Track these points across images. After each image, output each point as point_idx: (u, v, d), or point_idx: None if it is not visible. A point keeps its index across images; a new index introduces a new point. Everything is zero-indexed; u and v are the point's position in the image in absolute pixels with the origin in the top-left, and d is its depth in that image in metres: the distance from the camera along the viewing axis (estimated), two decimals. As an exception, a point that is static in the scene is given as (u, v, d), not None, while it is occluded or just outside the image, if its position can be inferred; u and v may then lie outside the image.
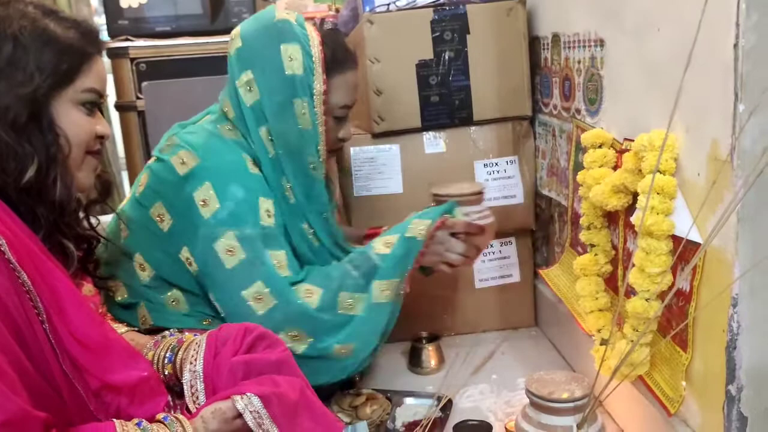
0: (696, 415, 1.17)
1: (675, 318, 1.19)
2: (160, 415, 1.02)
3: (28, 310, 0.92)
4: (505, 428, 1.45)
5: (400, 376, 1.77)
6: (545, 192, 1.85)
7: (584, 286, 1.45)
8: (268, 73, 1.43)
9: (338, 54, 1.48)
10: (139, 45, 2.98)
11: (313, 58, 1.43)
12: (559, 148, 1.74)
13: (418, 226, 1.45)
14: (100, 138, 1.09)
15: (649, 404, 1.29)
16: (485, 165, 1.86)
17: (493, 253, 1.94)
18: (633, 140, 1.25)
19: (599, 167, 1.38)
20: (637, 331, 1.22)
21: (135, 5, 3.01)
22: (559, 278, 1.70)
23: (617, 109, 1.40)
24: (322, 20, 2.83)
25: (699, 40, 1.05)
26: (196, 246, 1.37)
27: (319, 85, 1.44)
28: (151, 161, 1.47)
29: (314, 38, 1.45)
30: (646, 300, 1.18)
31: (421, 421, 1.44)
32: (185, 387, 1.13)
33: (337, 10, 2.76)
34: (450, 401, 1.53)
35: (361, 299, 1.42)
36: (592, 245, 1.46)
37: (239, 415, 1.02)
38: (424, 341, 1.81)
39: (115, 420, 0.96)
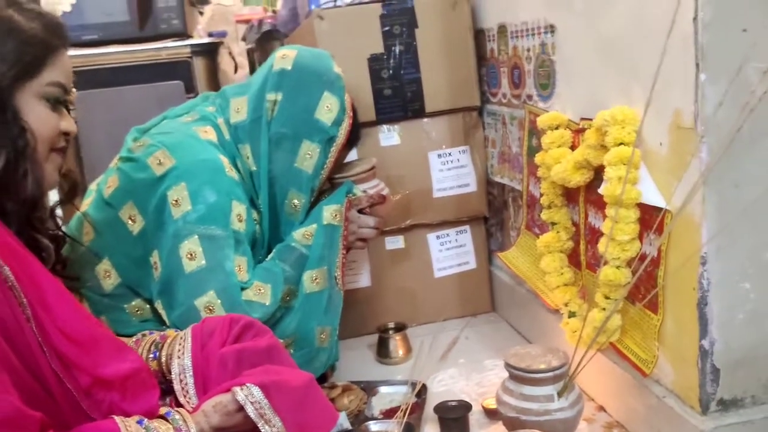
0: (669, 373, 1.23)
1: (643, 284, 1.26)
2: (163, 410, 1.00)
3: (12, 306, 0.89)
4: (482, 406, 1.48)
5: (369, 367, 1.78)
6: (497, 179, 1.91)
7: (549, 263, 1.51)
8: (297, 106, 1.49)
9: (354, 132, 1.59)
10: (65, 54, 2.88)
11: (346, 116, 1.53)
12: (510, 135, 1.79)
13: (330, 212, 1.50)
14: (65, 135, 1.06)
15: (620, 370, 1.35)
16: (439, 155, 1.91)
17: (450, 242, 1.98)
18: (591, 119, 1.32)
19: (558, 147, 1.44)
20: (608, 299, 1.28)
21: (59, 14, 2.91)
22: (518, 259, 1.75)
23: (571, 91, 1.46)
24: (260, 22, 2.82)
25: (655, 15, 1.13)
26: (163, 247, 1.35)
27: (341, 138, 1.52)
28: (117, 162, 1.43)
29: (349, 101, 1.56)
30: (617, 267, 1.24)
31: (397, 407, 1.45)
32: (174, 381, 1.10)
33: (274, 12, 2.75)
34: (424, 386, 1.55)
35: (295, 292, 1.44)
36: (554, 223, 1.52)
37: (241, 408, 1.01)
38: (390, 332, 1.83)
39: (115, 417, 0.93)
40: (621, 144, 1.21)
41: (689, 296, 1.14)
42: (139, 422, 0.95)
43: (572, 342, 1.40)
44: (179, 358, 1.12)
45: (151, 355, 1.15)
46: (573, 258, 1.52)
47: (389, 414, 1.49)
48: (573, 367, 1.28)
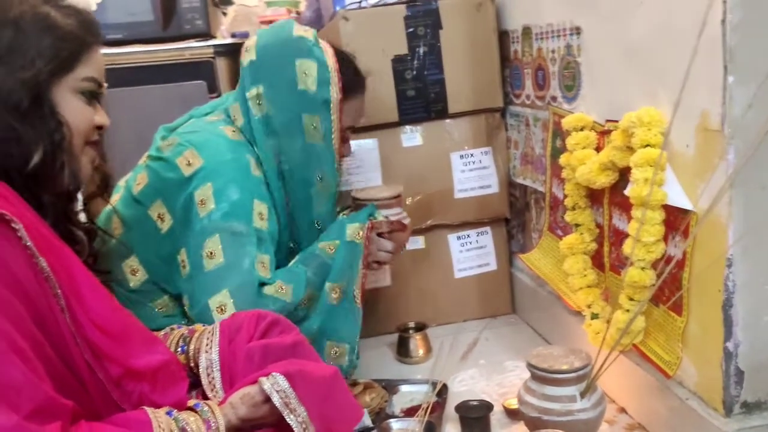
0: (693, 375, 1.23)
1: (668, 286, 1.26)
2: (191, 402, 1.01)
3: (48, 297, 0.90)
4: (503, 406, 1.49)
5: (389, 366, 1.79)
6: (519, 180, 1.91)
7: (572, 264, 1.51)
8: (279, 88, 1.46)
9: (350, 76, 1.53)
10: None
11: (329, 70, 1.46)
12: (533, 137, 1.80)
13: (352, 229, 1.50)
14: (99, 128, 1.08)
15: (643, 372, 1.35)
16: (461, 156, 1.91)
17: (471, 243, 1.99)
18: (617, 121, 1.32)
19: (582, 149, 1.44)
20: (632, 300, 1.28)
21: (85, 13, 2.94)
22: (540, 261, 1.75)
23: (597, 93, 1.47)
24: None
25: (683, 17, 1.13)
26: (189, 246, 1.36)
27: (335, 93, 1.47)
28: (147, 160, 1.45)
29: (329, 54, 1.49)
30: (642, 269, 1.24)
31: (418, 406, 1.46)
32: (202, 375, 1.12)
33: (298, 13, 2.77)
34: (445, 386, 1.56)
35: (317, 297, 1.44)
36: (577, 225, 1.52)
37: (268, 399, 1.02)
38: (411, 331, 1.83)
39: (146, 408, 0.95)
40: (647, 146, 1.21)
41: (714, 298, 1.14)
42: (169, 413, 0.96)
43: (595, 343, 1.41)
44: (207, 352, 1.13)
45: (179, 349, 1.17)
46: (596, 260, 1.52)
47: (410, 413, 1.49)
48: (596, 368, 1.28)
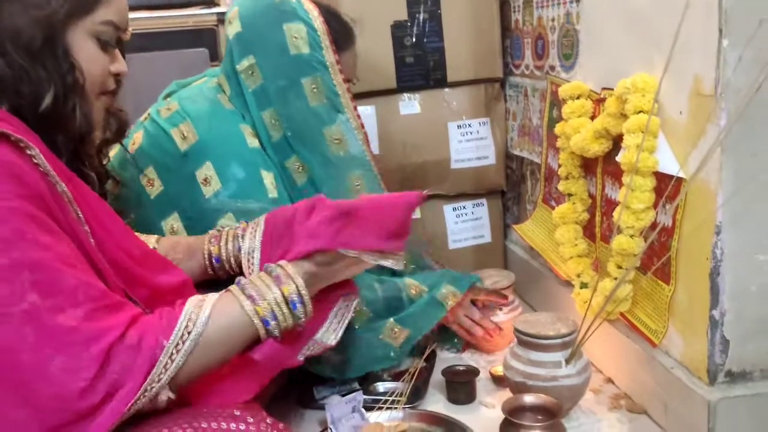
0: (679, 345, 1.23)
1: (656, 254, 1.25)
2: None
3: (71, 222, 0.90)
4: (490, 373, 1.49)
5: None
6: (516, 152, 1.90)
7: (564, 233, 1.51)
8: (272, 56, 1.43)
9: (339, 31, 1.49)
10: (93, 19, 2.91)
11: (319, 33, 1.43)
12: (531, 107, 1.78)
13: (447, 292, 1.48)
14: (116, 76, 1.04)
15: (630, 342, 1.34)
16: (459, 126, 1.90)
17: (466, 214, 1.98)
18: (612, 89, 1.31)
19: (578, 117, 1.43)
20: (620, 268, 1.28)
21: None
22: (533, 232, 1.75)
23: (594, 60, 1.45)
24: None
25: (681, -19, 1.11)
26: (195, 223, 1.35)
27: (330, 56, 1.44)
28: (146, 119, 1.44)
29: (315, 14, 1.45)
30: (631, 236, 1.23)
31: (405, 371, 1.46)
32: (243, 258, 1.16)
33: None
34: (434, 352, 1.56)
35: (371, 320, 1.41)
36: (570, 194, 1.51)
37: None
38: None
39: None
40: (641, 112, 1.20)
41: (702, 266, 1.14)
42: (237, 282, 1.00)
43: (583, 312, 1.40)
44: (250, 240, 1.17)
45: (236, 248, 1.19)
46: (588, 230, 1.52)
47: (397, 377, 1.50)
48: (581, 334, 1.28)
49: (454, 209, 1.98)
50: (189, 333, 0.90)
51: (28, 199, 0.84)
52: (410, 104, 1.88)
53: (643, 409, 1.31)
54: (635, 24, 1.28)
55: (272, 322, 0.98)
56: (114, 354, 0.84)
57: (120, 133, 1.12)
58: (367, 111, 1.85)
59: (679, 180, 1.16)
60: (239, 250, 1.18)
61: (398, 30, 1.81)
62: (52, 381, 0.80)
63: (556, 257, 1.59)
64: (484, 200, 1.99)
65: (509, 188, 1.99)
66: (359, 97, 1.82)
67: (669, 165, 1.18)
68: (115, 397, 0.83)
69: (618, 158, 1.24)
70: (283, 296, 0.99)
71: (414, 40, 1.82)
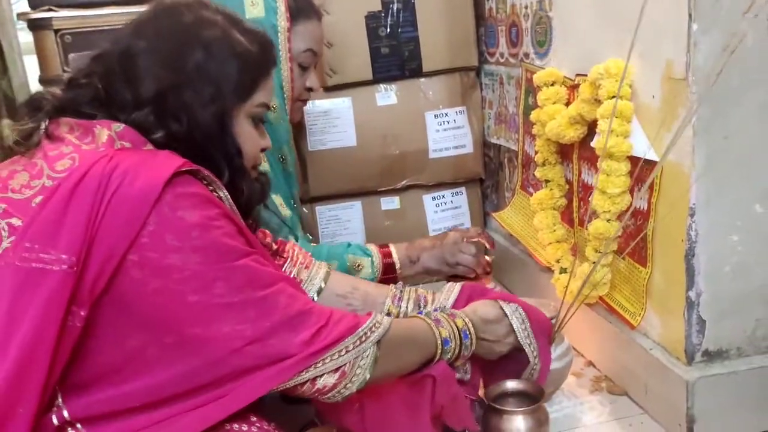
0: (656, 326, 1.24)
1: (633, 237, 1.26)
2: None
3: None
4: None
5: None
6: (494, 140, 1.91)
7: (542, 219, 1.52)
8: None
9: (300, 2, 1.48)
10: (63, 15, 2.86)
11: (276, 2, 1.42)
12: (507, 95, 1.79)
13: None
14: (262, 150, 1.08)
15: (610, 325, 1.36)
16: (436, 116, 1.90)
17: (445, 203, 1.99)
18: (586, 75, 1.32)
19: (553, 104, 1.44)
20: (598, 252, 1.29)
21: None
22: (512, 219, 1.76)
23: (567, 47, 1.46)
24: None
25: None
26: None
27: (283, 23, 1.43)
28: None
29: None
30: (607, 221, 1.25)
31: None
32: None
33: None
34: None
35: None
36: (547, 181, 1.52)
37: (500, 320, 1.18)
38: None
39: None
40: (614, 97, 1.21)
41: (677, 248, 1.15)
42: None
43: (562, 296, 1.42)
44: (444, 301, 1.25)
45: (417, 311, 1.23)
46: (566, 216, 1.53)
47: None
48: (560, 318, 1.29)
49: (434, 198, 1.99)
50: (379, 325, 0.97)
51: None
52: (387, 95, 1.88)
53: (624, 391, 1.33)
54: (608, 10, 1.29)
55: (449, 344, 1.09)
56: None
57: (264, 195, 1.11)
58: (344, 103, 1.85)
59: (654, 164, 1.17)
60: (420, 313, 1.18)
61: (372, 21, 1.80)
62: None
63: (536, 243, 1.61)
64: (463, 189, 2.00)
65: (487, 176, 2.00)
66: (336, 89, 1.84)
67: (643, 149, 1.19)
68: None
69: (593, 143, 1.25)
70: (457, 327, 1.11)
71: (388, 30, 1.81)
